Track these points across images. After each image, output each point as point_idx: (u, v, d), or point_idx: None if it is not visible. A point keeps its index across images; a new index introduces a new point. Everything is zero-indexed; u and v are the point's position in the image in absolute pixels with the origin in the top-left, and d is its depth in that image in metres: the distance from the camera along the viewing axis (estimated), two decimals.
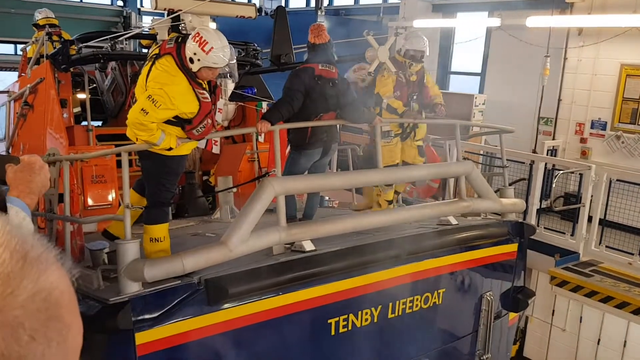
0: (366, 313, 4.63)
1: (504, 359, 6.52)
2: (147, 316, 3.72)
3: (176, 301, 3.80)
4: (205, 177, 8.24)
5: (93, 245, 4.29)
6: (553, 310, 10.52)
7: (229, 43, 4.52)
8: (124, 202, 4.04)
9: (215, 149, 7.27)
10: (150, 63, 4.42)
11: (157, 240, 4.55)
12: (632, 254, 9.05)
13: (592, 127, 12.39)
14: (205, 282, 3.90)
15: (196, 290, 3.87)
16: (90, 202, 6.26)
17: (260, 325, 4.10)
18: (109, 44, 7.12)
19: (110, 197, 6.21)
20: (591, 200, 9.29)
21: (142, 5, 22.72)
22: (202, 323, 3.90)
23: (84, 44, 6.89)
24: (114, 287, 3.87)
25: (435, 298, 5.15)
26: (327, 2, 19.37)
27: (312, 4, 19.11)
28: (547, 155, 12.11)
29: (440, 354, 5.46)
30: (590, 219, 9.30)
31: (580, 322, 10.33)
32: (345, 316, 4.51)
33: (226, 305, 3.98)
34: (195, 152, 7.94)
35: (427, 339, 5.38)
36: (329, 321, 4.46)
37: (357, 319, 4.58)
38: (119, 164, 5.00)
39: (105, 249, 4.31)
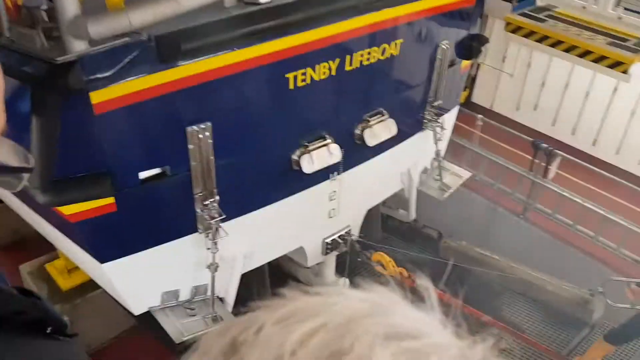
0: (324, 66, 4.62)
1: (454, 105, 6.84)
2: (99, 75, 3.62)
3: (127, 59, 3.67)
4: None
5: (29, 2, 3.94)
6: (504, 57, 10.76)
7: None
8: None
9: None
10: None
11: None
12: None
13: None
14: (156, 38, 3.73)
15: (147, 47, 3.73)
16: None
17: (218, 82, 4.07)
18: None
19: None
20: None
21: None
22: (158, 81, 3.84)
23: None
24: (59, 46, 3.68)
25: (392, 49, 5.13)
26: None
27: None
28: None
29: (395, 103, 5.66)
30: None
31: (529, 67, 10.69)
32: (304, 70, 4.50)
33: (180, 63, 3.88)
34: None
35: (383, 90, 5.51)
36: (287, 75, 4.45)
37: (315, 72, 4.58)
38: None
39: (42, 5, 3.97)
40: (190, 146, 4.18)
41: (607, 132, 10.23)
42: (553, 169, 8.60)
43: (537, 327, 6.56)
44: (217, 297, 4.95)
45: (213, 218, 4.46)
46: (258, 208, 4.97)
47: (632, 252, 7.59)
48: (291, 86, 4.51)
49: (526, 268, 6.92)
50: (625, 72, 8.04)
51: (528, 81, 10.75)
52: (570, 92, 10.40)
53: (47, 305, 0.81)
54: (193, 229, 4.59)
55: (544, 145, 8.55)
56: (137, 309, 4.83)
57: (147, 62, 3.76)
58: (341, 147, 5.08)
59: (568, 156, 8.53)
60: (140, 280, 4.66)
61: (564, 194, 8.09)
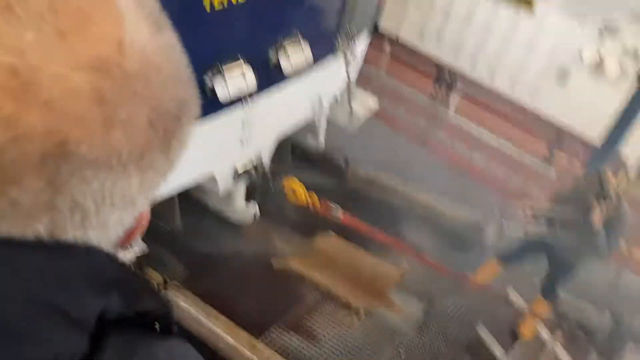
0: None
1: (365, 31, 6.80)
2: None
3: None
4: None
5: None
6: None
7: None
8: None
9: None
10: None
11: None
12: None
13: None
14: None
15: None
16: None
17: None
18: None
19: None
20: None
21: None
22: None
23: None
24: None
25: None
26: None
27: None
28: None
29: (310, 27, 5.51)
30: None
31: None
32: None
33: None
34: None
35: (298, 13, 5.35)
36: None
37: None
38: None
39: None
40: None
41: (504, 65, 10.69)
42: (453, 99, 8.95)
43: (437, 250, 6.97)
44: None
45: None
46: None
47: (521, 180, 8.19)
48: (208, 9, 4.23)
49: (428, 194, 7.26)
50: (530, 7, 8.35)
51: (434, 11, 10.87)
52: (473, 23, 10.67)
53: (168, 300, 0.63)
54: None
55: (445, 76, 8.83)
56: None
57: None
58: (255, 73, 4.91)
59: (467, 88, 8.88)
60: None
61: (462, 124, 8.48)
